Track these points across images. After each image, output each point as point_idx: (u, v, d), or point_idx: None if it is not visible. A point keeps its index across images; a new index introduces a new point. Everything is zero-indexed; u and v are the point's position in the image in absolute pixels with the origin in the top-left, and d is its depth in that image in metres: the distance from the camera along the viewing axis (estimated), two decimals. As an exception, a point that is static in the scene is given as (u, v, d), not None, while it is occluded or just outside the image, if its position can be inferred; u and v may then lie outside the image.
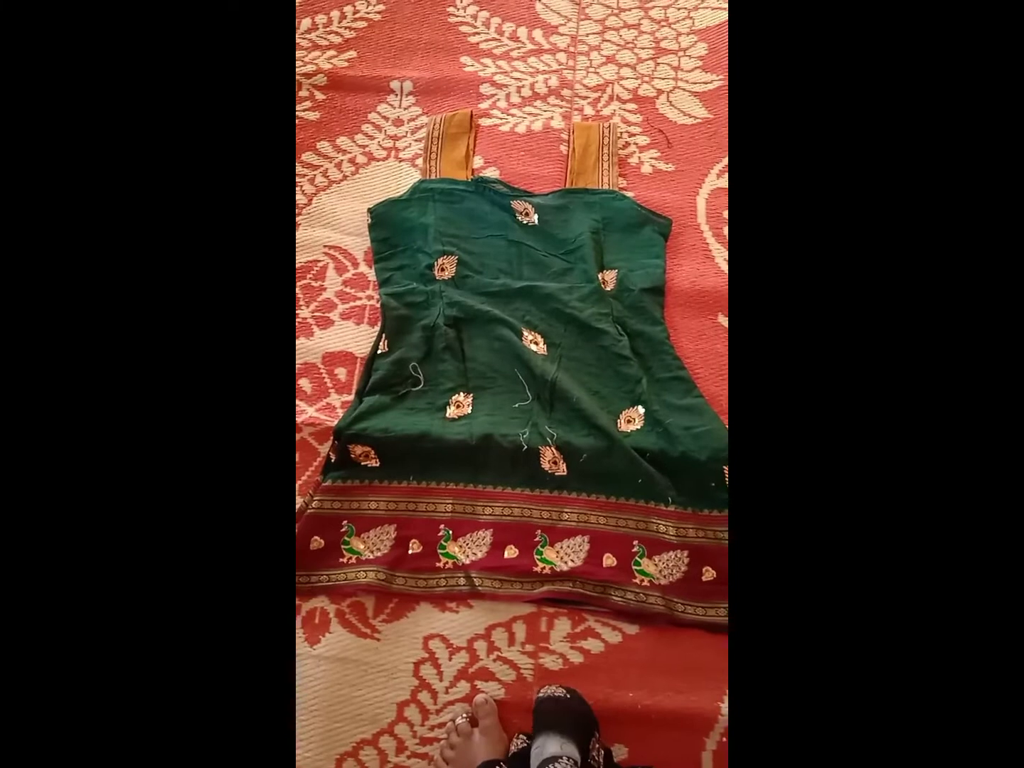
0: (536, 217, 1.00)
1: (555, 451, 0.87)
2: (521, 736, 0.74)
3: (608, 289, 0.96)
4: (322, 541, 0.84)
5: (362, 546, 0.85)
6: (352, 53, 1.15)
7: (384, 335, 0.94)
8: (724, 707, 0.77)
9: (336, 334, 0.96)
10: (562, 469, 0.87)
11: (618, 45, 1.15)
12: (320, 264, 1.00)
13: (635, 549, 0.83)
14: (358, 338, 0.96)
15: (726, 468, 0.85)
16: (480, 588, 0.82)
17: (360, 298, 0.99)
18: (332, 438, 0.89)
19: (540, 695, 0.73)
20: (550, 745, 0.64)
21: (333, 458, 0.88)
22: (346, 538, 0.85)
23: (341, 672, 0.80)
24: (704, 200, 1.03)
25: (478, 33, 1.16)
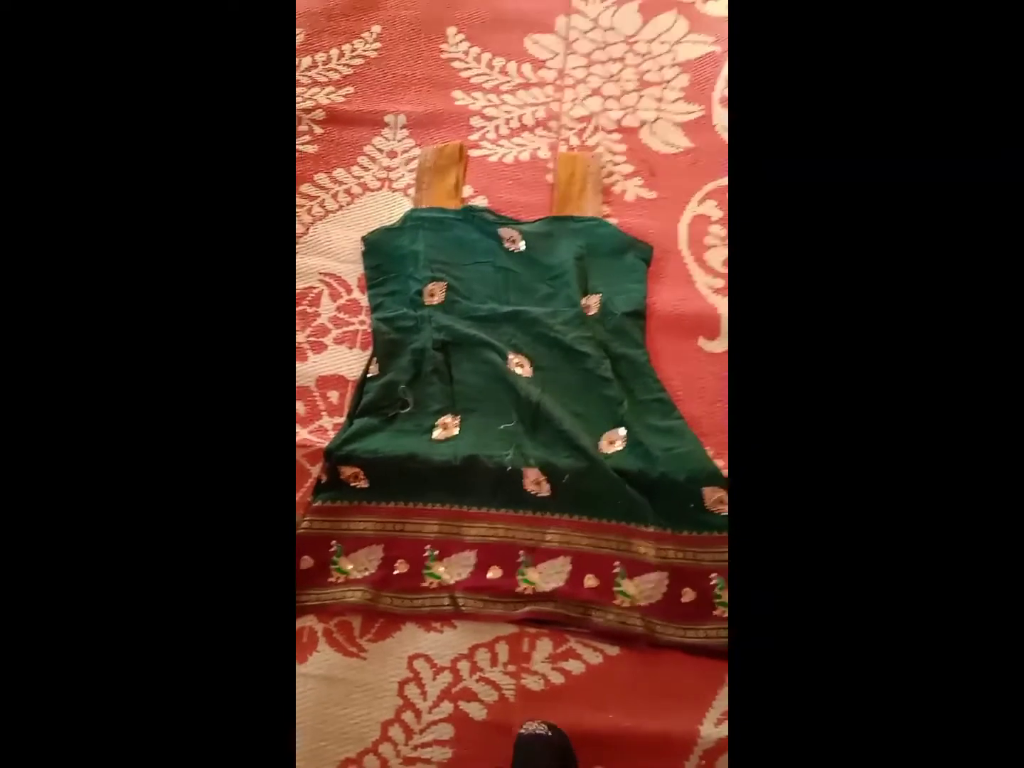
0: (523, 244, 0.97)
1: (538, 472, 0.83)
2: None
3: (591, 313, 0.93)
4: (311, 561, 0.81)
5: (350, 566, 0.81)
6: (349, 89, 1.13)
7: (375, 359, 0.91)
8: (703, 729, 0.73)
9: (329, 358, 0.94)
10: (545, 490, 0.83)
11: (603, 78, 1.12)
12: (315, 291, 0.98)
13: (616, 570, 0.79)
14: (350, 362, 0.93)
15: (705, 489, 0.81)
16: (464, 608, 0.78)
17: (353, 323, 0.96)
18: (323, 459, 0.86)
19: (522, 732, 0.69)
20: None
21: (323, 479, 0.85)
22: (334, 558, 0.82)
23: (327, 691, 0.76)
24: (686, 227, 0.99)
25: (469, 68, 1.14)
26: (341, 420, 0.90)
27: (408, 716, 0.76)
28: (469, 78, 1.13)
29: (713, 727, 0.73)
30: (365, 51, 1.17)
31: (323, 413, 0.91)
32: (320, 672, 0.77)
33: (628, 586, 0.78)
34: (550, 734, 0.67)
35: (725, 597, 0.77)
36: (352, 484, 0.85)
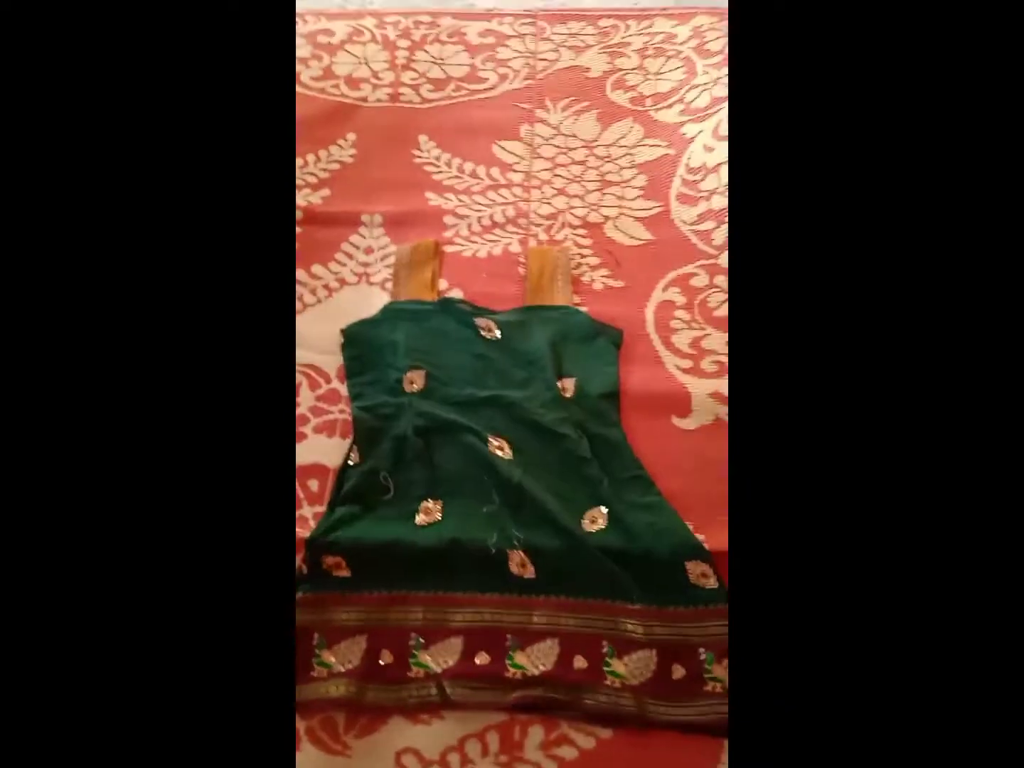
0: (498, 332, 1.02)
1: (523, 554, 0.84)
2: None
3: (567, 395, 0.96)
4: (293, 655, 0.79)
5: (333, 659, 0.80)
6: (327, 191, 1.20)
7: (355, 446, 0.93)
8: (702, 813, 0.72)
9: (309, 447, 0.95)
10: (530, 572, 0.84)
11: (567, 179, 1.21)
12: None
13: (604, 650, 0.79)
14: (330, 451, 0.95)
15: (688, 563, 0.83)
16: (452, 697, 0.77)
17: (332, 412, 0.98)
18: (304, 549, 0.85)
19: None
20: None
21: (304, 570, 0.84)
22: (317, 651, 0.80)
23: (311, 795, 0.73)
24: (652, 312, 1.05)
25: (441, 172, 1.22)
26: (322, 509, 0.90)
27: (397, 817, 0.73)
28: (441, 180, 1.21)
29: (712, 809, 0.71)
30: (341, 157, 1.24)
31: (303, 502, 0.91)
32: (303, 774, 0.74)
33: (618, 665, 0.78)
34: None
35: (715, 672, 0.77)
36: (334, 574, 0.84)
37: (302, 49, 1.38)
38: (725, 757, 0.75)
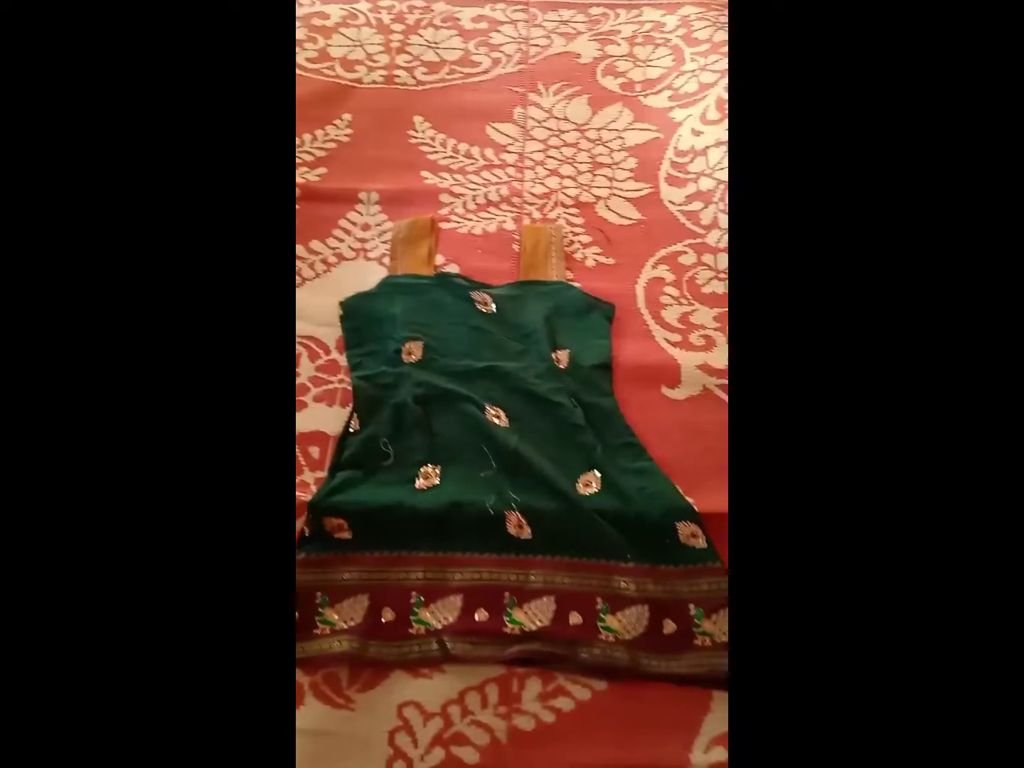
0: (494, 306, 1.04)
1: (520, 516, 0.86)
2: None
3: (562, 367, 0.98)
4: (297, 614, 0.81)
5: (336, 616, 0.81)
6: (323, 169, 1.20)
7: (355, 414, 0.94)
8: (693, 757, 0.74)
9: (310, 416, 0.96)
10: (527, 533, 0.86)
11: (559, 160, 1.22)
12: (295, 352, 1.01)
13: (599, 606, 0.81)
14: (330, 419, 0.96)
15: (678, 524, 0.85)
16: (452, 652, 0.79)
17: (332, 382, 0.99)
18: (307, 512, 0.86)
19: None
20: None
21: (307, 532, 0.86)
22: (320, 609, 0.81)
23: (316, 745, 0.75)
24: (642, 288, 1.08)
25: (436, 152, 1.23)
26: (323, 475, 0.91)
27: (399, 766, 0.74)
28: (436, 160, 1.22)
29: (703, 754, 0.74)
30: (337, 136, 1.25)
31: (304, 468, 0.92)
32: (308, 726, 0.75)
33: (611, 621, 0.80)
34: None
35: (704, 626, 0.80)
36: (336, 535, 0.86)
37: (297, 31, 1.39)
38: (714, 706, 0.77)
